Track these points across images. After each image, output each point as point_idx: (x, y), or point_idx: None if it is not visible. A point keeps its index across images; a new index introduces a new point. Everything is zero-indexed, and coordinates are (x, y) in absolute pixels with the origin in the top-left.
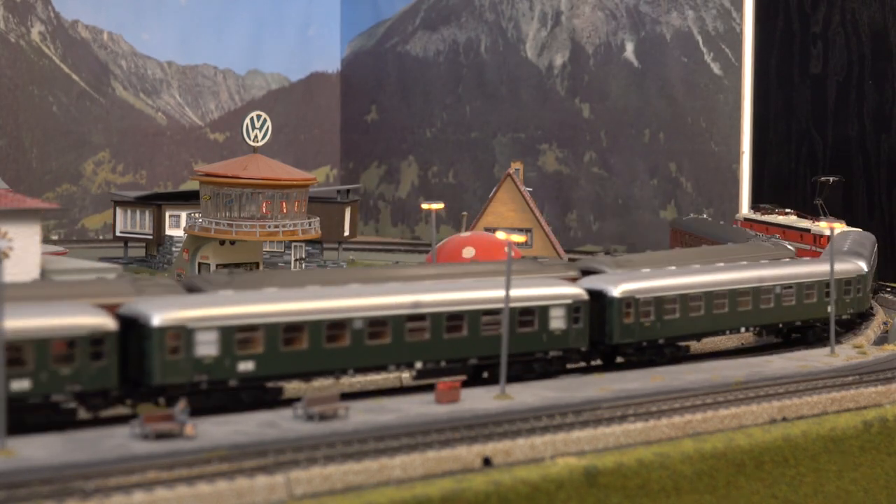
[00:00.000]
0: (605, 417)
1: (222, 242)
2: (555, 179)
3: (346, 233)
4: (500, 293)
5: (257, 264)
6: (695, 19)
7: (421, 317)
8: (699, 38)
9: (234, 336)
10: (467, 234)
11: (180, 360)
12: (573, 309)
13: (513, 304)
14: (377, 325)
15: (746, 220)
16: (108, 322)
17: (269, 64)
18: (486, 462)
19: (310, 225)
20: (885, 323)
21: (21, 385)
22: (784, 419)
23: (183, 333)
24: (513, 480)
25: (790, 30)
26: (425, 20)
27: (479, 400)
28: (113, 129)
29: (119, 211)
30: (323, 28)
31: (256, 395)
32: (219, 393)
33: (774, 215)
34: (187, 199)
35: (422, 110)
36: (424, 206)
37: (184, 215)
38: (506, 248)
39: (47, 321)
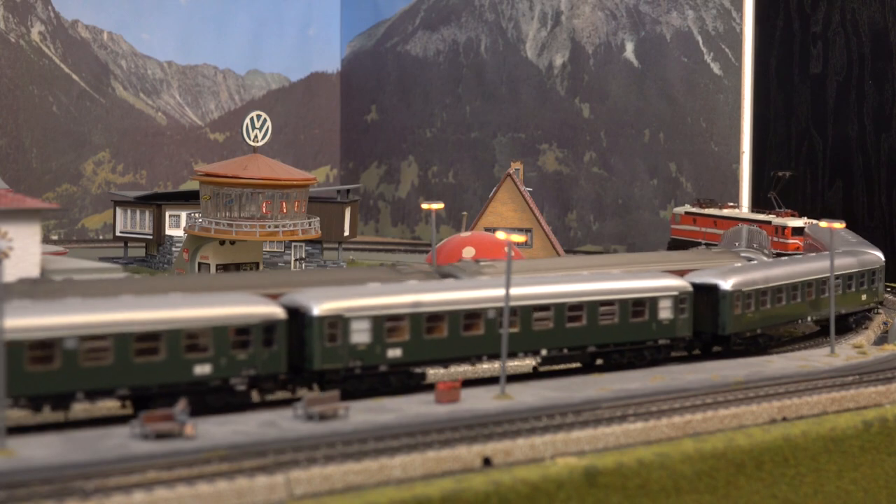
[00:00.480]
0: (605, 417)
1: (222, 242)
2: (555, 179)
3: (346, 233)
4: (617, 285)
5: (257, 264)
6: (695, 19)
7: (546, 307)
8: (699, 38)
9: (384, 325)
10: (467, 234)
11: (338, 347)
12: (679, 300)
13: (626, 296)
14: (511, 315)
15: (688, 213)
16: (278, 311)
17: (269, 64)
18: (486, 462)
19: (310, 225)
20: (885, 323)
21: (203, 369)
22: (784, 419)
23: (340, 322)
24: (513, 480)
25: (790, 30)
26: (425, 20)
27: (479, 400)
28: (113, 129)
29: (119, 211)
30: (323, 28)
31: (403, 379)
32: (370, 377)
33: (717, 209)
34: (187, 199)
35: (422, 110)
36: (424, 206)
37: (184, 215)
38: (506, 248)
39: (226, 310)
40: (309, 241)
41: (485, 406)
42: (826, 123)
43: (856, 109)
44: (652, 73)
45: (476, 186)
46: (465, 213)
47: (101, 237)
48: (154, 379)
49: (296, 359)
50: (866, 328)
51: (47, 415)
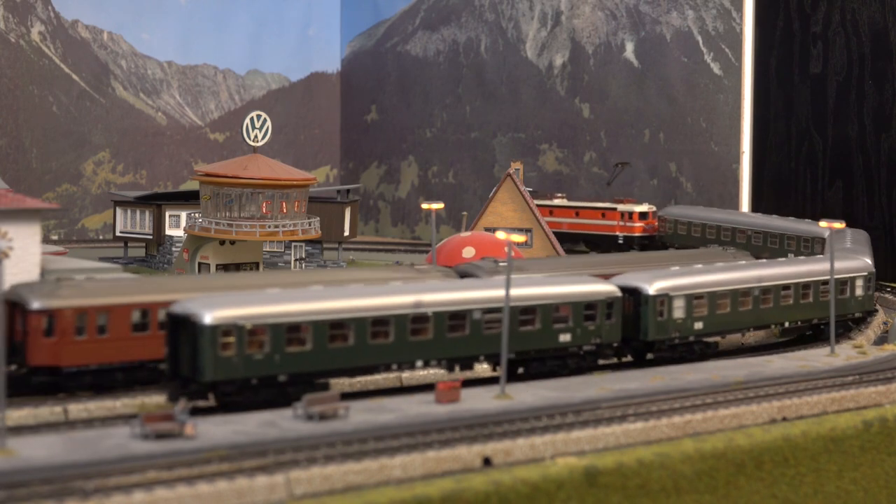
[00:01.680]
0: (605, 417)
1: (222, 242)
2: (555, 179)
3: (346, 233)
4: (813, 267)
5: (257, 264)
6: (695, 19)
7: (787, 286)
8: (699, 38)
9: (693, 302)
10: (467, 234)
11: (664, 321)
12: (867, 279)
13: (839, 276)
14: (767, 292)
15: None
16: (616, 290)
17: (269, 64)
18: (486, 462)
19: (310, 225)
20: (885, 323)
21: (565, 337)
22: (784, 419)
23: (667, 300)
24: (513, 480)
25: (790, 30)
26: (425, 20)
27: (479, 400)
28: (113, 129)
29: (119, 211)
30: (323, 28)
31: (703, 348)
32: (682, 346)
33: (549, 199)
34: (187, 199)
35: (422, 110)
36: (424, 206)
37: (184, 215)
38: (506, 248)
39: (581, 289)
40: (309, 241)
41: (485, 406)
42: (826, 123)
43: (856, 109)
44: (652, 73)
45: (476, 186)
46: (465, 213)
47: (101, 237)
48: (531, 345)
49: (627, 330)
50: (866, 327)
51: (47, 415)
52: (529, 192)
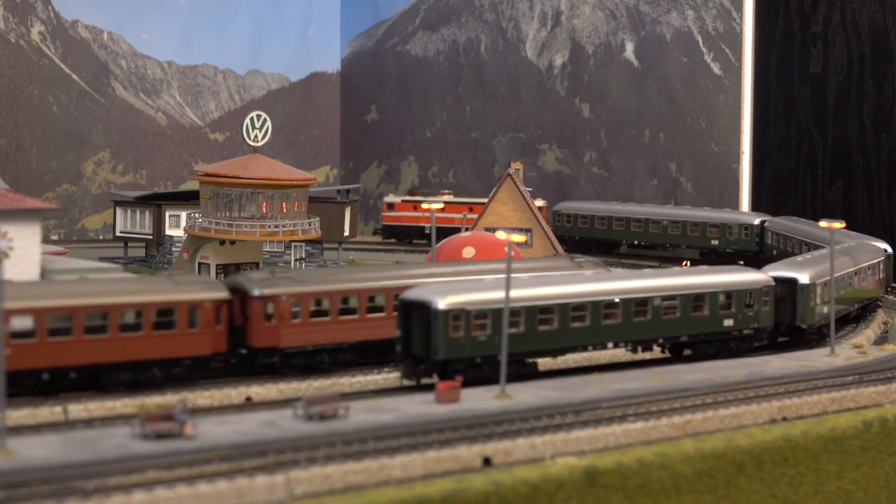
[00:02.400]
0: (605, 417)
1: (222, 242)
2: (555, 179)
3: (346, 233)
4: (859, 256)
5: (257, 264)
6: (695, 19)
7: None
8: (699, 38)
9: (817, 290)
10: (467, 234)
11: (812, 307)
12: (886, 262)
13: (870, 262)
14: (851, 278)
15: (405, 201)
16: (770, 280)
17: (269, 64)
18: (486, 462)
19: (310, 225)
20: (885, 323)
21: (728, 322)
22: (784, 419)
23: (814, 288)
24: (513, 480)
25: (790, 30)
26: (425, 20)
27: (479, 400)
28: (113, 129)
29: (119, 211)
30: (323, 28)
31: (823, 332)
32: (816, 331)
33: (435, 196)
34: (187, 199)
35: (422, 110)
36: (424, 205)
37: (184, 215)
38: (506, 248)
39: (740, 278)
40: (309, 241)
41: (485, 406)
42: (826, 123)
43: (856, 109)
44: (652, 73)
45: (476, 186)
46: (465, 212)
47: (101, 237)
48: (700, 328)
49: (787, 317)
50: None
51: (47, 415)
52: (415, 189)
